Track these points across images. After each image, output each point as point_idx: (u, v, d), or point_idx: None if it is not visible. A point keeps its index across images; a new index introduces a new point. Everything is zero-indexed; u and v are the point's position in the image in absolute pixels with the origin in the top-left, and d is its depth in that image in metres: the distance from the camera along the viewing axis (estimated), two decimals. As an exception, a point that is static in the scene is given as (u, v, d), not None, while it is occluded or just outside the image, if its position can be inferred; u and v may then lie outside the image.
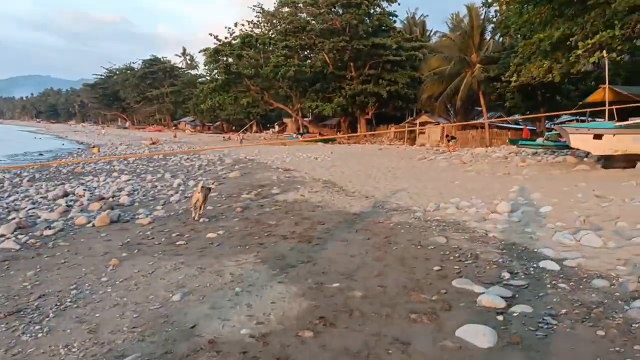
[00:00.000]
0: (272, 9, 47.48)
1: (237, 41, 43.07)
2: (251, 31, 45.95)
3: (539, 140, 22.92)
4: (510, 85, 22.19)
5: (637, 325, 3.82)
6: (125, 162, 26.16)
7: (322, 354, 3.68)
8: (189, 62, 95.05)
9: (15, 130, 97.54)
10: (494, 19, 28.13)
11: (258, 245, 7.10)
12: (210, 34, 45.49)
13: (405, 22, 49.18)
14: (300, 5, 43.05)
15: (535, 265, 5.51)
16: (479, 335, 3.75)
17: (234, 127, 71.05)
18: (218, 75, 45.14)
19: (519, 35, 23.61)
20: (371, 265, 5.90)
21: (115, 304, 4.94)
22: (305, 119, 51.93)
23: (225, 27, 44.67)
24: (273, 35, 44.62)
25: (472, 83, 29.89)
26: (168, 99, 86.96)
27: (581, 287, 4.74)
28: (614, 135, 13.69)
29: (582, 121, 19.76)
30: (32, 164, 21.01)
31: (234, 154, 29.54)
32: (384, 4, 41.72)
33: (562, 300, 4.43)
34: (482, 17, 31.39)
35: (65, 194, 13.62)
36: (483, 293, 4.63)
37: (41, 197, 13.42)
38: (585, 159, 16.31)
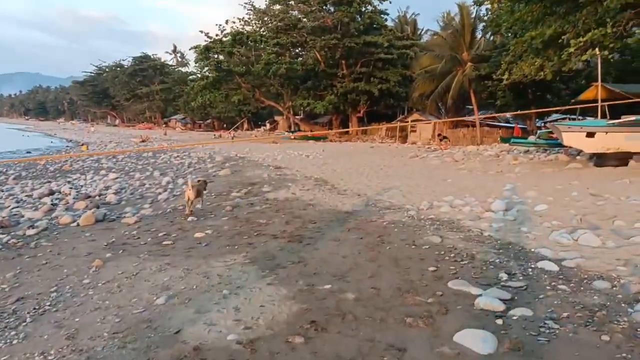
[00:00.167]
0: (263, 6, 47.22)
1: (228, 38, 42.71)
2: (242, 28, 45.60)
3: (531, 138, 22.86)
4: (501, 83, 22.14)
5: (643, 330, 3.65)
6: (114, 159, 25.79)
7: (313, 362, 3.48)
8: (179, 59, 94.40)
9: (4, 128, 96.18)
10: (485, 18, 28.06)
11: (247, 245, 6.89)
12: (201, 31, 45.08)
13: (397, 20, 49.05)
14: (292, 2, 42.79)
15: (533, 265, 5.34)
16: (477, 341, 3.56)
17: (225, 125, 70.59)
18: (209, 73, 44.81)
19: (510, 34, 23.56)
20: (364, 265, 5.71)
21: (97, 307, 4.73)
22: (296, 116, 51.67)
23: (216, 25, 44.29)
24: (264, 33, 44.27)
25: (463, 81, 29.84)
26: (158, 97, 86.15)
27: (582, 288, 4.57)
28: (606, 133, 13.62)
29: (572, 119, 19.72)
30: (18, 159, 20.60)
31: (225, 151, 29.24)
32: (375, 2, 41.60)
33: (563, 302, 4.26)
34: (473, 15, 31.38)
35: (51, 192, 13.33)
36: (480, 295, 4.46)
37: (26, 196, 13.14)
38: (577, 157, 16.25)
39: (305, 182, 14.16)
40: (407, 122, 36.38)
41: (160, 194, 12.64)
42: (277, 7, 44.63)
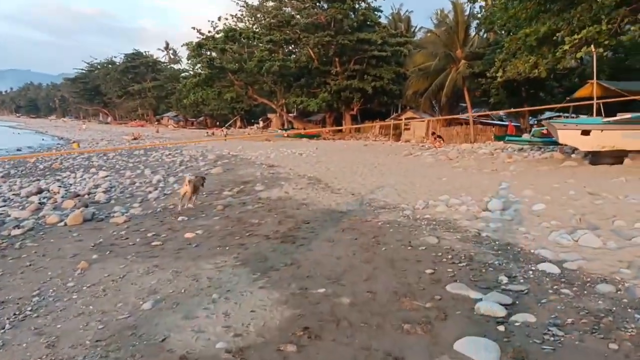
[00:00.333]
0: (256, 2, 46.93)
1: (220, 35, 42.40)
2: (235, 25, 45.28)
3: (525, 136, 22.79)
4: (495, 81, 22.03)
5: (651, 337, 3.49)
6: (105, 157, 25.43)
7: (306, 372, 3.31)
8: (171, 56, 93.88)
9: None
10: (479, 15, 27.95)
11: (239, 246, 6.69)
12: (194, 28, 44.75)
13: (390, 17, 48.93)
14: (285, -1, 42.53)
15: (533, 267, 5.17)
16: (479, 349, 3.38)
17: (217, 123, 70.11)
18: (201, 70, 44.42)
19: (504, 31, 23.48)
20: (359, 268, 5.52)
21: (80, 312, 4.52)
22: (290, 114, 51.38)
23: (209, 21, 44.00)
24: (257, 30, 43.97)
25: (457, 79, 29.73)
26: (150, 94, 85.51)
27: (585, 292, 4.41)
28: (602, 131, 13.53)
29: (566, 117, 19.66)
30: (7, 156, 20.25)
31: (217, 149, 28.96)
32: (369, -1, 41.40)
33: (566, 307, 4.09)
34: (467, 13, 31.26)
35: (40, 191, 13.05)
36: (480, 299, 4.29)
37: (14, 194, 12.84)
38: (572, 155, 16.16)
39: (298, 180, 13.96)
40: (401, 120, 36.24)
41: (150, 192, 12.38)
42: (270, 3, 44.35)
